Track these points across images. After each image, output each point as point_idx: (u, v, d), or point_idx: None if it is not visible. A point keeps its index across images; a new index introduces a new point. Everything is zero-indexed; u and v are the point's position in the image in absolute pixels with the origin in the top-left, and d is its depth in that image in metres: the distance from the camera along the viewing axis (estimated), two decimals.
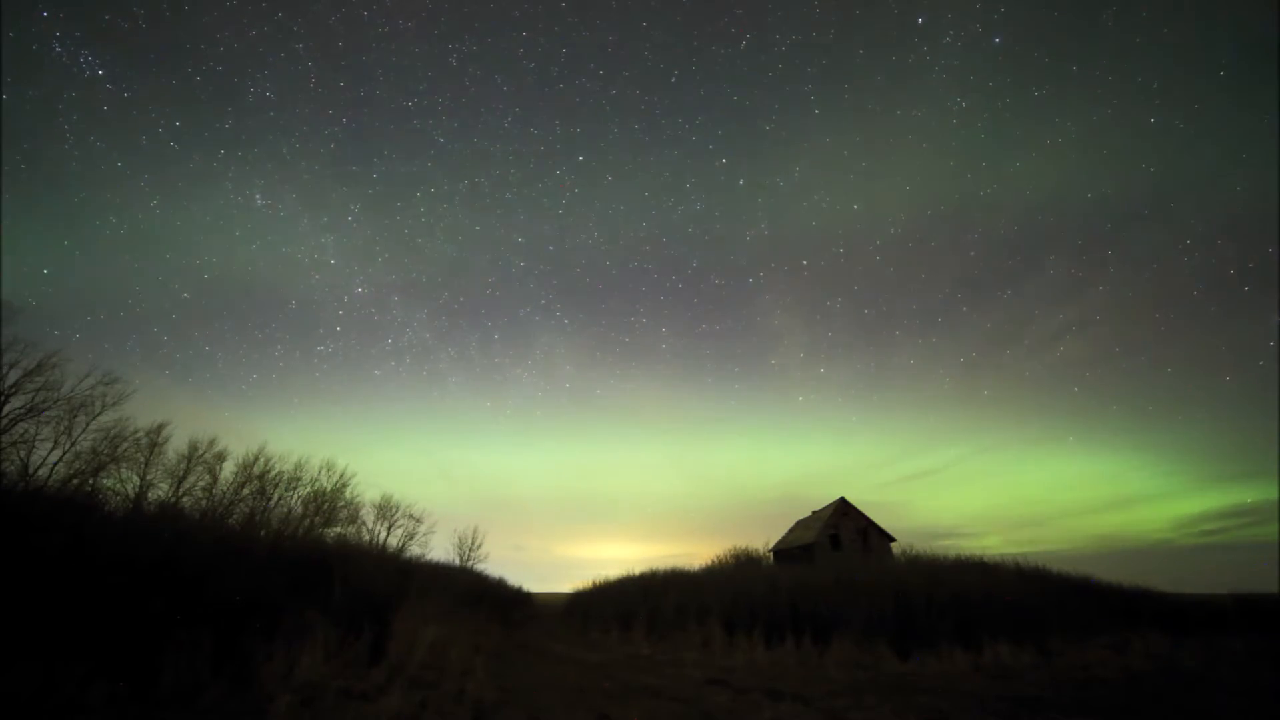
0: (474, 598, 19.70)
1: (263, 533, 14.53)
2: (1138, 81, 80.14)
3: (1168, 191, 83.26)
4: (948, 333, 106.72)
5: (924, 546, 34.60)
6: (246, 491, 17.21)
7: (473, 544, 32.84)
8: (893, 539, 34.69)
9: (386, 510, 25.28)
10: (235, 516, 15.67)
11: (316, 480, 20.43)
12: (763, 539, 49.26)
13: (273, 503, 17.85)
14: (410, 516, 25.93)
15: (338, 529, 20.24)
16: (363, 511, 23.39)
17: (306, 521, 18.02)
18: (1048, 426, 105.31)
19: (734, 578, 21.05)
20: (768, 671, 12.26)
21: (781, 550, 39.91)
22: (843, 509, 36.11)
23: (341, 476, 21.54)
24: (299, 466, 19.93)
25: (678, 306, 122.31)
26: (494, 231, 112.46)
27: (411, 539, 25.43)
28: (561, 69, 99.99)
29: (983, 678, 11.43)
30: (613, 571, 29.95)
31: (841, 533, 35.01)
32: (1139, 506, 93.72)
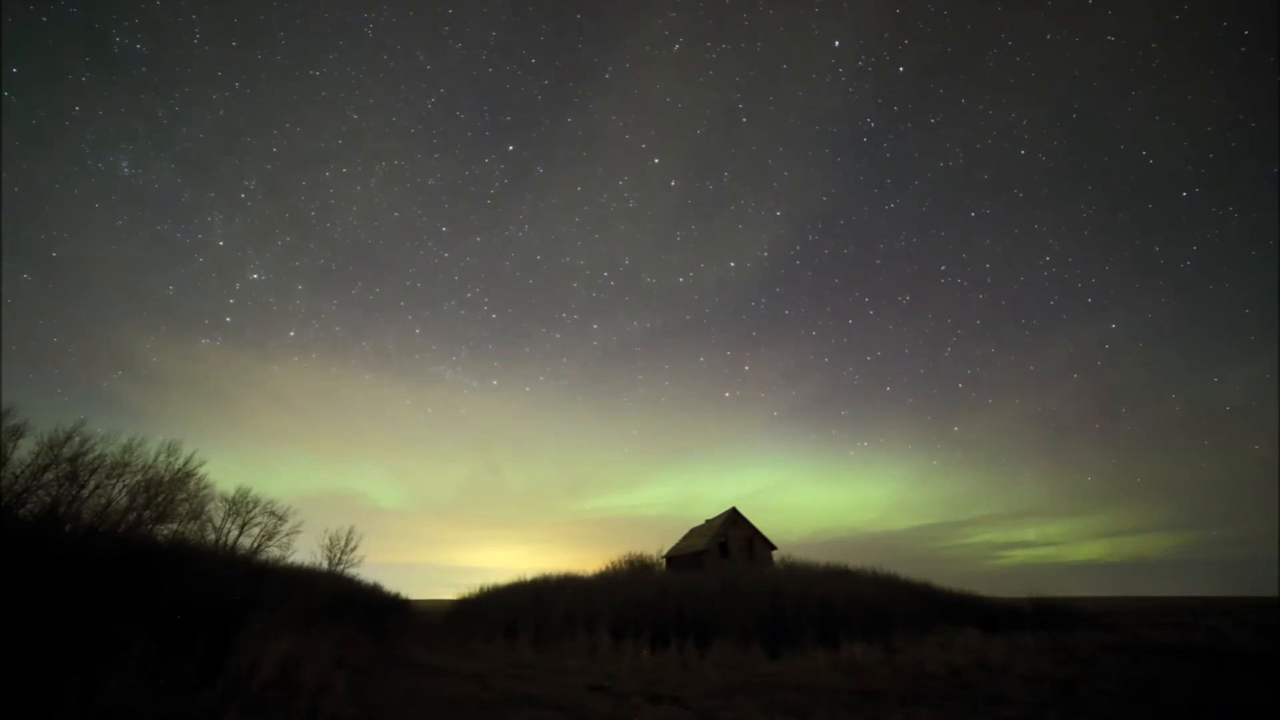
0: (340, 605, 17.83)
1: (68, 527, 11.96)
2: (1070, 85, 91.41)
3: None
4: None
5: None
6: (49, 477, 14.06)
7: (346, 546, 29.75)
8: (774, 547, 37.30)
9: (241, 506, 22.02)
10: (30, 506, 12.72)
11: (151, 467, 17.24)
12: (656, 545, 50.45)
13: (87, 492, 14.76)
14: (271, 514, 22.82)
15: (174, 525, 17.23)
16: (210, 506, 20.15)
17: (132, 515, 15.14)
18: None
19: (626, 584, 21.30)
20: (650, 675, 12.51)
21: (674, 556, 41.15)
22: (733, 518, 38.14)
23: (186, 464, 18.40)
24: (128, 450, 16.69)
25: (609, 303, 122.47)
26: (416, 219, 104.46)
27: (270, 539, 22.36)
28: (491, 53, 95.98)
29: (839, 674, 12.64)
30: (509, 579, 28.71)
31: (730, 540, 36.94)
32: None
